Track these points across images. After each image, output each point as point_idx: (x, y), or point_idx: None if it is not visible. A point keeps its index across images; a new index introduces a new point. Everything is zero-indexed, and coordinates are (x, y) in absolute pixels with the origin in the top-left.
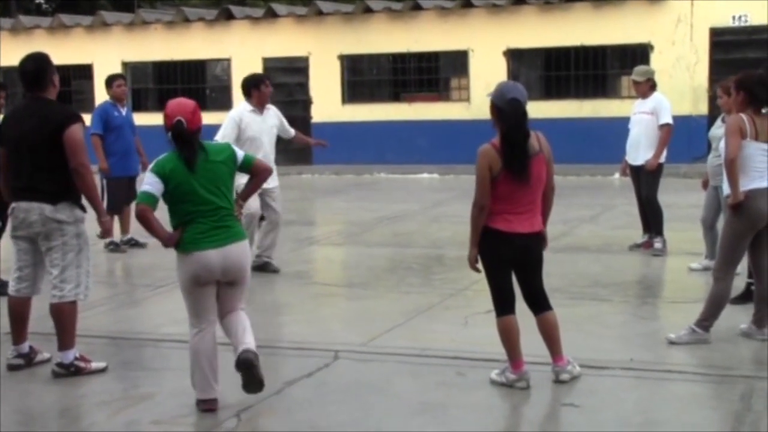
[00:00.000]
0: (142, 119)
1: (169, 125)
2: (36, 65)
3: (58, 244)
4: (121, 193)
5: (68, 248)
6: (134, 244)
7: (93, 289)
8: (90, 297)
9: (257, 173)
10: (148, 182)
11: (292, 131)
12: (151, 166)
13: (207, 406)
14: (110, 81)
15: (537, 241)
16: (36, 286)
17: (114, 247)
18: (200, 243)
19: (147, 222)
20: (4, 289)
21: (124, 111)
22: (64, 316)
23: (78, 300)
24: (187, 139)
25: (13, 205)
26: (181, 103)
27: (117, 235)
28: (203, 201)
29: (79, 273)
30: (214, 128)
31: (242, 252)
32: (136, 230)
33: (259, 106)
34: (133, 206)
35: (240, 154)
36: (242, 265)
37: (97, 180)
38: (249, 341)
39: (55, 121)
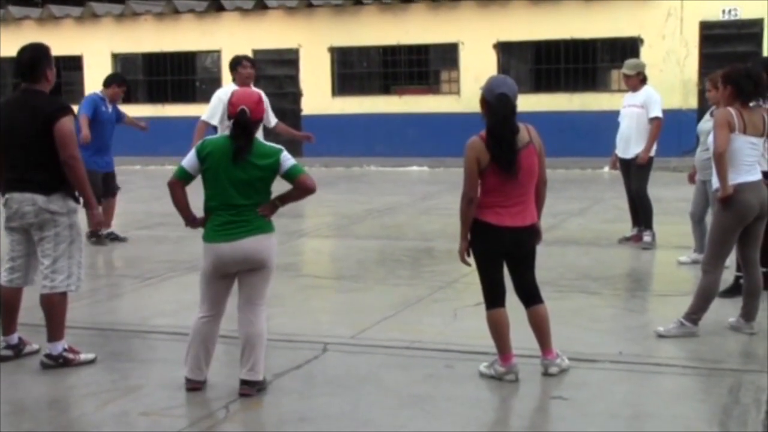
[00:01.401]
0: (132, 111)
1: (232, 113)
2: (32, 56)
3: (51, 234)
4: (98, 186)
5: (60, 239)
6: (114, 238)
7: (84, 279)
8: (81, 287)
9: (298, 187)
10: (187, 158)
11: (273, 120)
12: (197, 143)
13: (192, 386)
14: (111, 82)
15: (529, 235)
16: (28, 276)
17: (96, 240)
18: (215, 236)
19: (173, 195)
20: None
21: (109, 109)
22: (54, 307)
23: (69, 291)
24: (246, 129)
25: (7, 195)
26: (246, 93)
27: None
28: (226, 195)
29: (70, 264)
30: None
31: (259, 244)
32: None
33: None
34: (115, 202)
35: (287, 163)
36: (259, 256)
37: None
38: (250, 367)
39: (45, 113)
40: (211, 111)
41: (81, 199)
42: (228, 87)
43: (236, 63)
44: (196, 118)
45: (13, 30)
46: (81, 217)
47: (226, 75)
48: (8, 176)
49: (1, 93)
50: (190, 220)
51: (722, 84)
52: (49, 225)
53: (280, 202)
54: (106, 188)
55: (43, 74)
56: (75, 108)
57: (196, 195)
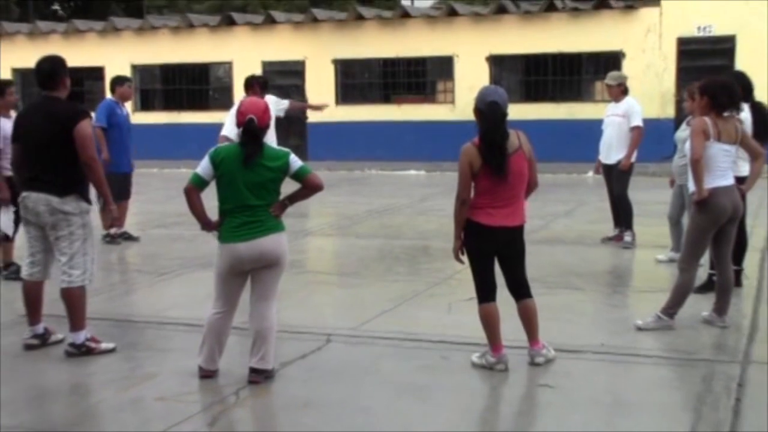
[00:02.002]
0: (150, 118)
1: (241, 122)
2: (51, 66)
3: (65, 233)
4: (114, 189)
5: (75, 237)
6: (127, 237)
7: (102, 275)
8: (98, 283)
9: (307, 186)
10: (201, 165)
11: (285, 103)
12: (210, 150)
13: (205, 374)
14: (120, 81)
15: (519, 234)
16: (47, 270)
17: (110, 240)
18: (231, 237)
19: (189, 201)
20: (17, 274)
21: (125, 111)
22: (74, 300)
23: (84, 285)
24: (255, 136)
25: (23, 194)
26: (254, 102)
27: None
28: (241, 197)
29: (85, 260)
30: (217, 126)
31: (273, 242)
32: (129, 224)
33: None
34: (129, 202)
35: (296, 165)
36: (273, 254)
37: None
38: (260, 356)
39: (66, 118)
40: (228, 127)
41: (99, 199)
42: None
43: (253, 82)
44: (209, 125)
45: (41, 43)
46: (94, 216)
47: (237, 85)
48: (26, 175)
49: (28, 101)
50: (206, 224)
51: (699, 95)
52: (62, 224)
53: (289, 201)
54: (123, 190)
55: (62, 82)
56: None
57: (206, 199)
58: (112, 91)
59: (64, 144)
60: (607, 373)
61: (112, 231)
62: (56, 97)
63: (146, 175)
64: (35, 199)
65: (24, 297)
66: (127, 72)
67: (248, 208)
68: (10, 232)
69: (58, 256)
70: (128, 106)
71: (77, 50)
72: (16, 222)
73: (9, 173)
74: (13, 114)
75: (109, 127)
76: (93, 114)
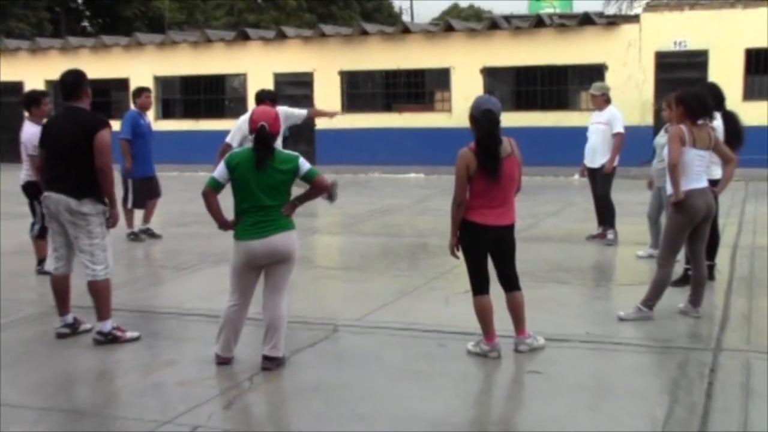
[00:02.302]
0: (171, 125)
1: (253, 128)
2: (74, 78)
3: (84, 232)
4: (144, 191)
5: (93, 235)
6: (151, 234)
7: (127, 270)
8: (124, 277)
9: (315, 187)
10: (218, 170)
11: (303, 112)
12: (225, 156)
13: (222, 361)
14: (139, 92)
15: (509, 232)
16: (70, 264)
17: (134, 237)
18: (246, 234)
19: (207, 203)
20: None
21: (147, 120)
22: (100, 292)
23: (106, 276)
24: (266, 141)
25: (45, 194)
26: (265, 111)
27: (137, 225)
28: (255, 198)
29: (106, 256)
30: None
31: (284, 239)
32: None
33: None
34: (156, 203)
35: (305, 167)
36: (285, 250)
37: (118, 177)
38: (272, 345)
39: (88, 126)
40: (232, 135)
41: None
42: (248, 114)
43: (265, 96)
44: (225, 132)
45: (71, 57)
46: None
47: (251, 95)
48: (47, 176)
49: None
50: (223, 224)
51: (675, 104)
52: (81, 223)
53: (299, 201)
54: (151, 191)
55: (84, 93)
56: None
57: (222, 200)
58: (133, 101)
59: (84, 151)
60: (592, 360)
61: (137, 228)
62: (79, 107)
63: (167, 178)
64: (56, 200)
65: (52, 289)
66: (149, 83)
67: (261, 208)
68: (39, 224)
69: (79, 253)
70: (149, 114)
71: (104, 63)
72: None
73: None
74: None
75: (134, 137)
76: (118, 122)
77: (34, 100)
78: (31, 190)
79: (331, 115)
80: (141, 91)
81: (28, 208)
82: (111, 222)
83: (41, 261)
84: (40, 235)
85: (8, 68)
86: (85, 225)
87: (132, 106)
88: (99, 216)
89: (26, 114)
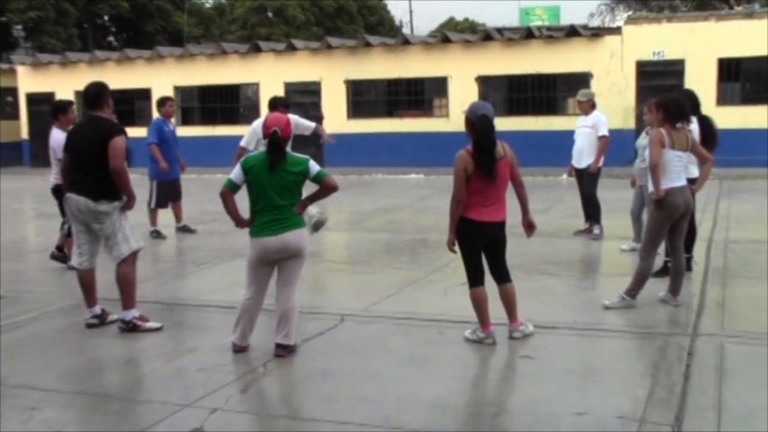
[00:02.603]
0: (189, 131)
1: (266, 134)
2: (96, 90)
3: (105, 225)
4: (167, 193)
5: (113, 224)
6: (186, 230)
7: (151, 265)
8: (148, 271)
9: (324, 187)
10: (234, 172)
11: (312, 125)
12: (241, 159)
13: (237, 349)
14: (163, 102)
15: (501, 228)
16: (94, 259)
17: (156, 235)
18: (261, 231)
19: (225, 202)
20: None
21: (171, 126)
22: (125, 279)
23: (132, 251)
24: (278, 146)
25: (67, 195)
26: (278, 117)
27: (160, 224)
28: (269, 198)
29: (124, 234)
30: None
31: (296, 236)
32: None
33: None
34: (187, 200)
35: (315, 169)
36: (297, 246)
37: (131, 177)
38: (285, 334)
39: (104, 132)
40: (247, 139)
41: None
42: (261, 119)
43: (278, 103)
44: (240, 137)
45: (98, 69)
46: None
47: (263, 103)
48: (70, 179)
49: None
50: (239, 222)
51: (656, 109)
52: (101, 219)
53: (309, 201)
54: (174, 193)
55: (105, 103)
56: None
57: (239, 200)
58: (159, 110)
59: (101, 156)
60: (579, 345)
61: (177, 225)
62: (99, 116)
63: (186, 180)
64: (75, 200)
65: (79, 283)
66: (170, 93)
67: (275, 208)
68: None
69: (104, 243)
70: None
71: (128, 74)
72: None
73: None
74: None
75: (159, 142)
76: (141, 129)
77: (60, 108)
78: (60, 192)
79: (327, 138)
80: (165, 100)
81: (57, 209)
82: (127, 205)
83: (70, 257)
84: (69, 233)
85: (41, 80)
86: (106, 219)
87: (156, 114)
88: (115, 210)
89: (54, 122)
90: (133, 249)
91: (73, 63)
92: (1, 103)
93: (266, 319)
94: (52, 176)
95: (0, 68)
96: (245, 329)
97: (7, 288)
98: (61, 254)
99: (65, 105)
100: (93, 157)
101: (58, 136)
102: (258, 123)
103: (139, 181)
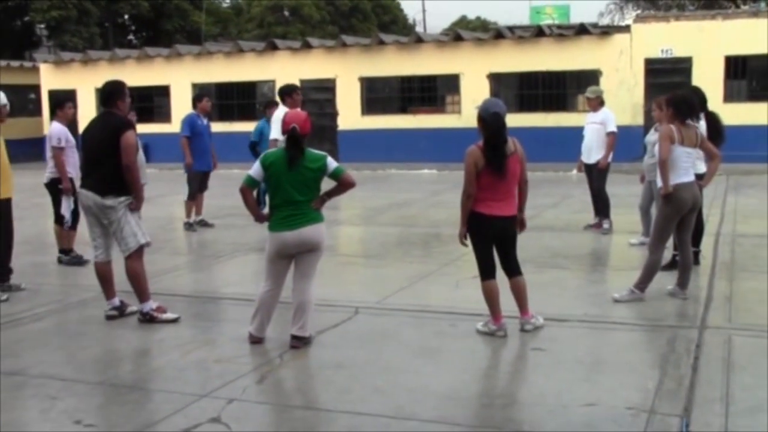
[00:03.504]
0: None
1: (285, 130)
2: (110, 88)
3: (113, 220)
4: (197, 184)
5: (119, 218)
6: (205, 224)
7: (170, 258)
8: (167, 264)
9: (342, 183)
10: (254, 168)
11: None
12: (260, 156)
13: (254, 340)
14: (200, 97)
15: (512, 222)
16: (109, 251)
17: (188, 227)
18: (280, 226)
19: (244, 199)
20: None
21: (205, 121)
22: (134, 274)
23: (140, 245)
24: (296, 142)
25: (79, 190)
26: (297, 114)
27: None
28: (287, 194)
29: (131, 228)
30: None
31: (314, 231)
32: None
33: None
34: (205, 194)
35: (332, 166)
36: (314, 240)
37: (147, 172)
38: (300, 325)
39: (114, 128)
40: (276, 131)
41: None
42: (283, 109)
43: (291, 91)
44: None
45: (119, 67)
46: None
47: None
48: (83, 174)
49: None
50: (259, 217)
51: (665, 106)
52: (109, 213)
53: (328, 196)
54: (202, 184)
55: (119, 100)
56: (165, 126)
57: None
58: (194, 106)
59: (111, 151)
60: (589, 337)
61: (192, 219)
62: (111, 112)
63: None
64: (85, 195)
65: (97, 276)
66: (187, 89)
67: (293, 203)
68: (68, 215)
69: (114, 237)
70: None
71: (147, 72)
72: (75, 213)
73: (69, 173)
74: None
75: (192, 135)
76: (160, 124)
77: (58, 104)
78: (54, 187)
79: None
80: (201, 96)
81: (57, 203)
82: (133, 205)
83: (68, 251)
84: (72, 226)
85: (62, 78)
86: (112, 214)
87: (192, 110)
88: (123, 204)
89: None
90: (140, 243)
91: (94, 61)
92: (24, 100)
93: (282, 311)
94: (48, 170)
95: (23, 66)
96: (263, 321)
97: (28, 280)
98: (69, 256)
99: (62, 101)
100: (102, 152)
101: (56, 126)
102: (281, 112)
103: (158, 176)
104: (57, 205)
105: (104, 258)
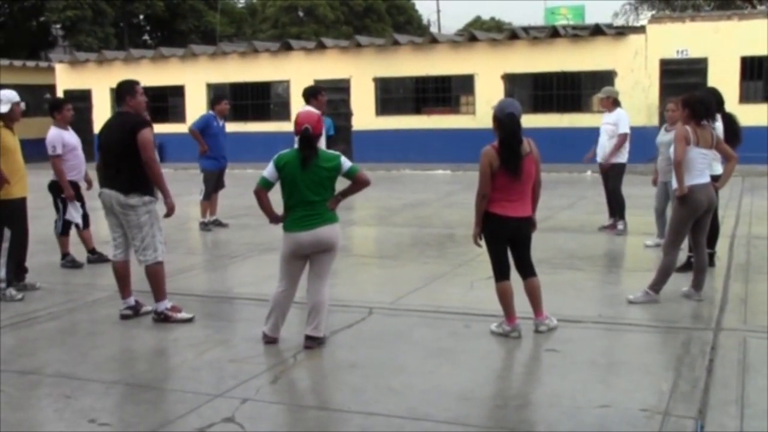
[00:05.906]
0: None
1: (297, 130)
2: (119, 88)
3: (134, 222)
4: (212, 184)
5: (143, 223)
6: (218, 224)
7: (185, 258)
8: (182, 264)
9: (357, 182)
10: (267, 169)
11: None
12: (274, 157)
13: (269, 340)
14: (219, 99)
15: (526, 223)
16: (128, 251)
17: (204, 227)
18: (295, 226)
19: (259, 200)
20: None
21: (221, 123)
22: (154, 275)
23: (156, 261)
24: (309, 142)
25: (100, 190)
26: (309, 114)
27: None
28: (302, 194)
29: (154, 241)
30: (277, 134)
31: (329, 232)
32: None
33: (320, 110)
34: (220, 194)
35: (347, 165)
36: (329, 241)
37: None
38: (314, 326)
39: (131, 126)
40: None
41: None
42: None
43: (316, 92)
44: (271, 133)
45: (134, 67)
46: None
47: (294, 100)
48: (103, 174)
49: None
50: (273, 218)
51: (681, 107)
52: (131, 214)
53: (342, 196)
54: (218, 183)
55: (129, 96)
56: (177, 126)
57: (270, 195)
58: (212, 107)
59: (129, 150)
60: (603, 339)
61: (207, 219)
62: (125, 112)
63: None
64: (107, 195)
65: (114, 275)
66: (202, 90)
67: (308, 203)
68: (79, 221)
69: (132, 241)
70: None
71: (162, 72)
72: (85, 215)
73: (73, 177)
74: (70, 128)
75: (207, 136)
76: (174, 124)
77: (56, 106)
78: (56, 189)
79: None
80: (219, 98)
81: (53, 205)
82: (167, 212)
83: (65, 255)
84: (63, 232)
85: (78, 77)
86: (133, 215)
87: (209, 111)
88: (146, 206)
89: (52, 120)
90: (157, 259)
91: (109, 61)
92: (39, 100)
93: (296, 311)
94: (53, 174)
95: (39, 66)
96: (277, 321)
97: (43, 280)
98: (96, 255)
99: (60, 103)
100: (121, 151)
101: (53, 133)
102: None
103: (173, 175)
104: (58, 207)
105: (123, 257)
